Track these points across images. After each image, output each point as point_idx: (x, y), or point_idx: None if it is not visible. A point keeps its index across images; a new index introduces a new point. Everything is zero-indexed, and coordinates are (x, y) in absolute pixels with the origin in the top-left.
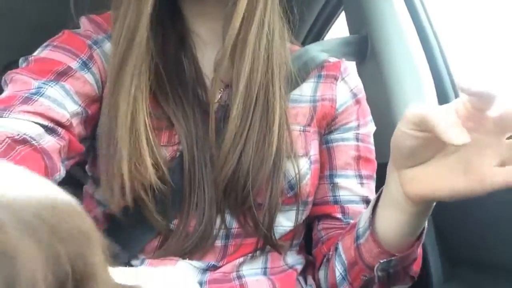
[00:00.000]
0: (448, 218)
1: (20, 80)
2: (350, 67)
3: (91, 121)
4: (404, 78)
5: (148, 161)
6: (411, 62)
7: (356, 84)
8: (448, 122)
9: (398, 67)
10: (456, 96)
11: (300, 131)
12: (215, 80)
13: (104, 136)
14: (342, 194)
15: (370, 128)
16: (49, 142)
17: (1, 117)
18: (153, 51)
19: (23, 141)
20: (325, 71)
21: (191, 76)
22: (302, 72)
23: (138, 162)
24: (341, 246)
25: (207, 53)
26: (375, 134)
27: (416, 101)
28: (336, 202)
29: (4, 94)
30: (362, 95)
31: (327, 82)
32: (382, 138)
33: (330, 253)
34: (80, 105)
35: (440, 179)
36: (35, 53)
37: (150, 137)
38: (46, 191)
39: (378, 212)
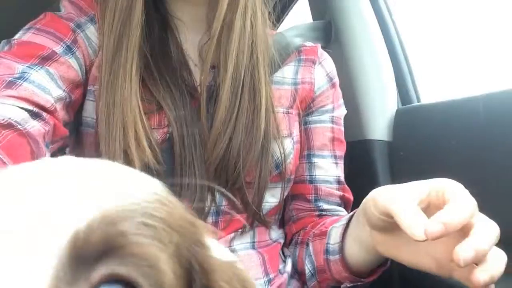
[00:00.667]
0: (403, 170)
1: (3, 64)
2: (325, 52)
3: (74, 106)
4: (366, 62)
5: (145, 143)
6: (371, 47)
7: (331, 68)
8: (411, 219)
9: (360, 51)
10: (412, 77)
11: (284, 113)
12: (205, 62)
13: (103, 120)
14: (318, 174)
15: (342, 111)
16: (34, 127)
17: None
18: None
19: (9, 125)
20: (304, 55)
21: (177, 60)
22: (282, 55)
23: (137, 144)
24: (311, 247)
25: (190, 37)
26: None
27: (376, 83)
28: (311, 181)
29: None
30: (336, 79)
31: (306, 65)
32: (345, 118)
33: (300, 238)
34: (64, 90)
35: (407, 253)
36: (17, 36)
37: (144, 120)
38: (148, 186)
39: (348, 241)
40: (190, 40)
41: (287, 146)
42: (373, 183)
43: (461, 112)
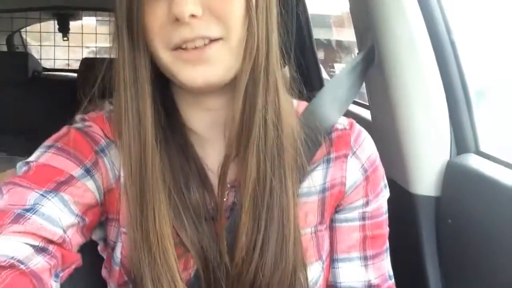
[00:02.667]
0: (451, 238)
1: (17, 193)
2: (361, 133)
3: (89, 227)
4: (411, 88)
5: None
6: (421, 76)
7: (368, 154)
8: None
9: (405, 77)
10: (469, 105)
11: (311, 233)
12: (220, 184)
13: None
14: (343, 281)
15: (381, 199)
16: (39, 264)
17: None
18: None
19: (11, 266)
20: (334, 150)
21: (198, 185)
22: (311, 148)
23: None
24: None
25: (209, 150)
26: (378, 145)
27: (422, 110)
28: (335, 285)
29: None
30: (373, 167)
31: (336, 164)
32: (386, 149)
33: None
34: (77, 215)
35: None
36: (35, 155)
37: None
38: None
39: None
40: (209, 154)
41: (315, 273)
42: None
43: None
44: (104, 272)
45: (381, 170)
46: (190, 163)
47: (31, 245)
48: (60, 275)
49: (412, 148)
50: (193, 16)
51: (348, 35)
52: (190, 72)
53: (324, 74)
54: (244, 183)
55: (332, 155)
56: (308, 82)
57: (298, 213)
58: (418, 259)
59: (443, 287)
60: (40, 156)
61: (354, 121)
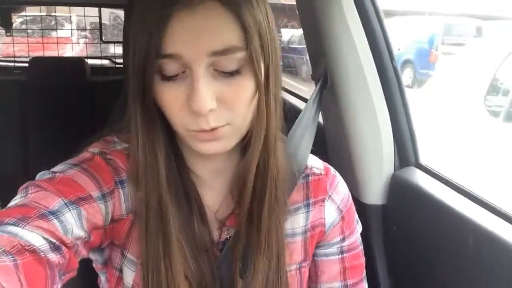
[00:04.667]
0: (396, 244)
1: (45, 195)
2: (335, 177)
3: (90, 245)
4: (360, 108)
5: None
6: (367, 94)
7: (342, 197)
8: None
9: (354, 98)
10: (409, 123)
11: (296, 269)
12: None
13: None
14: None
15: (356, 233)
16: (53, 258)
17: (18, 226)
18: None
19: (32, 251)
20: (312, 196)
21: (198, 220)
22: (289, 182)
23: None
24: None
25: (208, 190)
26: (333, 159)
27: (369, 128)
28: None
29: (25, 200)
30: (347, 207)
31: (315, 208)
32: (339, 162)
33: None
34: (85, 231)
35: None
36: (60, 168)
37: None
38: None
39: None
40: (206, 192)
41: None
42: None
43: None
44: (105, 286)
45: (353, 208)
46: (192, 202)
47: (49, 241)
48: (62, 277)
49: (361, 162)
50: (210, 110)
51: None
52: (202, 146)
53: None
54: (239, 224)
55: (311, 200)
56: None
57: (286, 253)
58: (370, 261)
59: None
60: (66, 170)
61: (328, 166)
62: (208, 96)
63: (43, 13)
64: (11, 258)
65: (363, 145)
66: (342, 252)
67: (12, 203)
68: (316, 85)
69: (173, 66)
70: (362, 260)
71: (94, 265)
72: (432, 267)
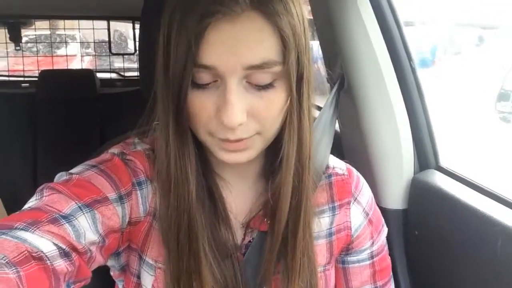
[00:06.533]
0: (418, 248)
1: (58, 198)
2: (359, 179)
3: (108, 250)
4: (378, 111)
5: None
6: (385, 97)
7: (367, 199)
8: None
9: (372, 101)
10: (429, 125)
11: (321, 272)
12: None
13: None
14: None
15: (383, 235)
16: (60, 266)
17: (27, 231)
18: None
19: (39, 258)
20: (337, 199)
21: (222, 223)
22: (313, 184)
23: None
24: None
25: (232, 192)
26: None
27: (388, 131)
28: None
29: (37, 203)
30: (372, 209)
31: (341, 211)
32: (356, 168)
33: None
34: (100, 235)
35: None
36: (78, 169)
37: None
38: None
39: None
40: (230, 194)
41: None
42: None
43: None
44: None
45: (378, 209)
46: (217, 205)
47: (59, 247)
48: (72, 286)
49: (380, 166)
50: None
51: None
52: (225, 155)
53: None
54: (273, 228)
55: (337, 203)
56: None
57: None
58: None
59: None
60: (83, 172)
61: (350, 166)
62: (239, 110)
63: (47, 32)
64: (14, 270)
65: (381, 148)
66: (372, 256)
67: (26, 206)
68: (331, 88)
69: (207, 75)
70: (389, 260)
71: (111, 273)
72: (457, 271)
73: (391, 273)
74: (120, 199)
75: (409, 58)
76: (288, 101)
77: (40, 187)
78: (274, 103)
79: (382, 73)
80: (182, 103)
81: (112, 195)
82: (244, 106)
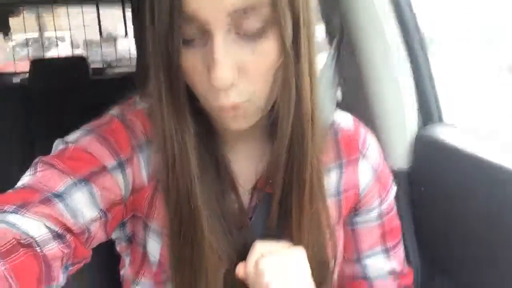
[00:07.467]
0: (424, 205)
1: (50, 175)
2: (367, 134)
3: (112, 224)
4: (379, 64)
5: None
6: (386, 49)
7: (375, 155)
8: None
9: (372, 54)
10: (431, 80)
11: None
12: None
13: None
14: (371, 271)
15: (391, 194)
16: (53, 250)
17: (18, 213)
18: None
19: (28, 245)
20: (344, 156)
21: (229, 190)
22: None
23: None
24: None
25: (239, 156)
26: None
27: (390, 85)
28: (365, 277)
29: (32, 179)
30: (381, 166)
31: (349, 169)
32: None
33: None
34: (101, 210)
35: None
36: (75, 136)
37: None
38: None
39: None
40: (238, 159)
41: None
42: None
43: None
44: (127, 271)
45: (386, 165)
46: (223, 172)
47: (51, 230)
48: (70, 268)
49: (383, 123)
50: (232, 84)
51: None
52: (225, 120)
53: None
54: (274, 190)
55: (344, 160)
56: None
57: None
58: None
59: (419, 251)
60: (79, 138)
61: (357, 121)
62: (228, 67)
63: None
64: (1, 262)
65: (383, 104)
66: (381, 216)
67: (19, 183)
68: (330, 44)
69: (192, 28)
70: (398, 221)
71: (117, 247)
72: (466, 227)
73: (401, 236)
74: (120, 165)
75: (410, 5)
76: (283, 53)
77: (34, 161)
78: (267, 55)
79: (382, 23)
80: (172, 59)
81: (111, 163)
82: (233, 62)
